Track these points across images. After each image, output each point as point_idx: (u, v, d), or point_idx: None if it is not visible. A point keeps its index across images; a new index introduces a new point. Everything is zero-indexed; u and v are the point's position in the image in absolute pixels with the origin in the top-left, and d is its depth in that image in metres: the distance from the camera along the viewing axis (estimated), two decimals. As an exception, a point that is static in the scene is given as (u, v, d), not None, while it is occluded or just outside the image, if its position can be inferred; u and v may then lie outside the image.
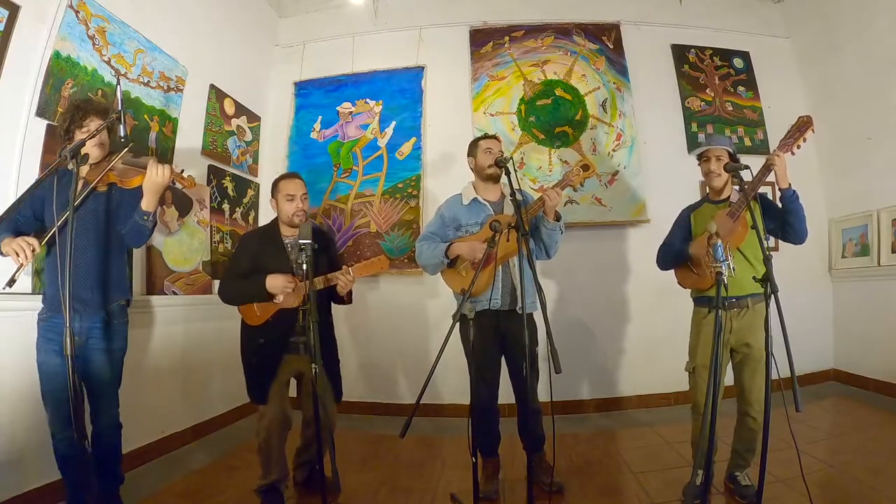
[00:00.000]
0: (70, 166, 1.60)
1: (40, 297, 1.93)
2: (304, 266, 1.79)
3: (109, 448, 1.97)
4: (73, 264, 1.56)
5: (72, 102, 2.01)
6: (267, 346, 2.18)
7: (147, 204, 1.89)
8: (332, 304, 2.34)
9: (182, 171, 1.96)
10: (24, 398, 2.03)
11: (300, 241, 1.80)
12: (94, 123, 1.88)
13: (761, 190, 2.07)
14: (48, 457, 1.87)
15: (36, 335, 1.86)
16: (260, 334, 2.19)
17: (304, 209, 2.28)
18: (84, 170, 1.84)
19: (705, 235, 2.06)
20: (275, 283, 2.11)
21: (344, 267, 2.18)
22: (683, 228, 2.25)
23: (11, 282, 1.67)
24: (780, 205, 2.06)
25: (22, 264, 1.70)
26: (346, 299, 2.28)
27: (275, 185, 2.33)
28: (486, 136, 2.50)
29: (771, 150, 2.22)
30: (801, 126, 2.04)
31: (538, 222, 2.32)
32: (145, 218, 1.90)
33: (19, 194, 1.98)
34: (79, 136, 1.87)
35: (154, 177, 1.85)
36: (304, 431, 2.35)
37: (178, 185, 1.99)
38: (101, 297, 1.91)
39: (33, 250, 1.71)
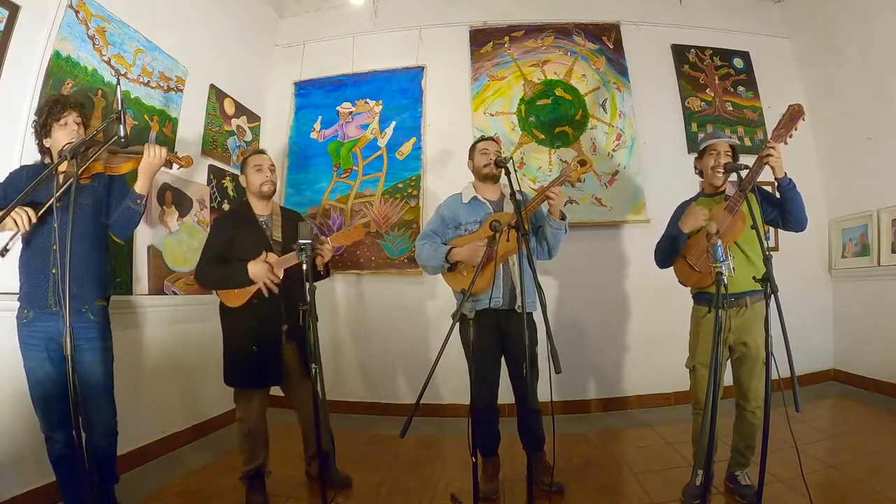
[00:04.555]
0: (71, 166, 1.60)
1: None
2: (304, 266, 1.78)
3: (103, 457, 1.87)
4: (60, 261, 1.54)
5: (49, 97, 1.97)
6: (265, 333, 2.17)
7: (141, 186, 1.87)
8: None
9: (176, 152, 1.96)
10: (20, 399, 2.00)
11: (300, 242, 1.78)
12: (71, 116, 1.86)
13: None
14: (46, 458, 1.86)
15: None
16: (249, 319, 2.17)
17: (273, 180, 2.31)
18: (62, 165, 1.78)
19: (698, 210, 2.06)
20: (257, 271, 2.11)
21: (321, 238, 2.22)
22: None
23: (4, 251, 1.65)
24: (777, 195, 2.06)
25: (17, 231, 1.67)
26: (324, 273, 2.29)
27: (244, 161, 2.37)
28: (483, 139, 2.51)
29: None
30: (793, 115, 2.03)
31: (541, 222, 2.32)
32: (138, 202, 1.88)
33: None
34: (56, 129, 1.84)
35: (151, 158, 1.84)
36: (301, 424, 2.36)
37: (175, 165, 1.98)
38: (83, 293, 1.85)
39: (30, 220, 1.69)
